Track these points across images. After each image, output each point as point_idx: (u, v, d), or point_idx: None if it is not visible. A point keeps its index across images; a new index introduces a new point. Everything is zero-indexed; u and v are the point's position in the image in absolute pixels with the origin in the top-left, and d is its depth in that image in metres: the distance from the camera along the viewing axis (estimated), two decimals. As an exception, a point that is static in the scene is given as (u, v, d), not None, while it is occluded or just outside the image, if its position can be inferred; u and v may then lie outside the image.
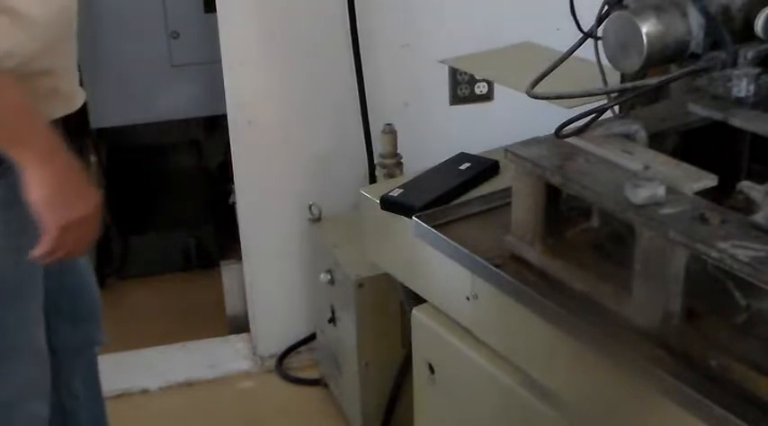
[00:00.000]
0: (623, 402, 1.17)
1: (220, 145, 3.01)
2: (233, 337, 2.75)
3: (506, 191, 1.41)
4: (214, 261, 2.99)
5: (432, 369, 1.57)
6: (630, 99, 1.34)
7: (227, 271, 2.80)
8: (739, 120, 1.29)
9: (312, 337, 2.56)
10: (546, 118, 1.37)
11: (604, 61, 1.35)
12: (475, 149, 1.74)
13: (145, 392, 2.49)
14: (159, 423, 2.39)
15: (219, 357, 2.66)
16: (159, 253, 3.15)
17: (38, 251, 1.43)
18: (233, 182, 2.55)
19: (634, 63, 1.26)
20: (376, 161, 2.27)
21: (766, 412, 1.00)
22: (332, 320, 2.23)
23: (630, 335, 1.14)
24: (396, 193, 1.60)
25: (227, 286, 2.81)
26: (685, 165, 1.22)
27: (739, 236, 1.04)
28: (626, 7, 1.30)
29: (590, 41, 1.38)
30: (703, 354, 1.08)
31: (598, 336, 1.17)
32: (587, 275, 1.23)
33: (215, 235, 3.14)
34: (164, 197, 3.24)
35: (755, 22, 1.25)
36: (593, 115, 1.30)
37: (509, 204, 1.36)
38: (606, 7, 1.34)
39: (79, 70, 1.61)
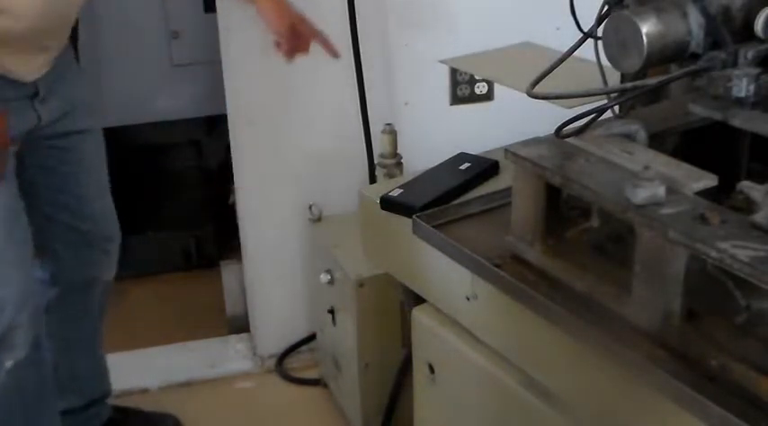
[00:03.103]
0: (623, 402, 1.17)
1: (220, 145, 3.00)
2: (233, 337, 2.75)
3: (506, 191, 1.42)
4: (214, 261, 2.99)
5: (432, 369, 1.57)
6: (630, 99, 1.34)
7: (227, 271, 2.80)
8: (739, 120, 1.29)
9: (312, 337, 2.56)
10: (546, 118, 1.37)
11: (604, 61, 1.35)
12: (475, 149, 1.74)
13: (145, 392, 2.49)
14: (159, 423, 2.39)
15: (219, 357, 2.66)
16: (159, 253, 3.14)
17: None
18: (233, 182, 2.55)
19: (634, 63, 1.27)
20: (376, 161, 2.27)
21: (766, 412, 1.00)
22: (332, 320, 2.23)
23: (630, 335, 1.14)
24: (396, 193, 1.60)
25: (227, 286, 2.80)
26: (685, 165, 1.22)
27: (739, 236, 1.04)
28: (626, 7, 1.30)
29: (590, 41, 1.38)
30: (703, 354, 1.08)
31: (598, 336, 1.17)
32: (587, 275, 1.23)
33: (215, 235, 3.13)
34: (164, 197, 3.24)
35: (755, 22, 1.25)
36: (593, 115, 1.30)
37: (509, 204, 1.36)
38: (606, 7, 1.35)
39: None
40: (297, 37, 1.92)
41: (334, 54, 1.98)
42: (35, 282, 1.87)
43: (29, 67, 1.75)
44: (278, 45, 1.94)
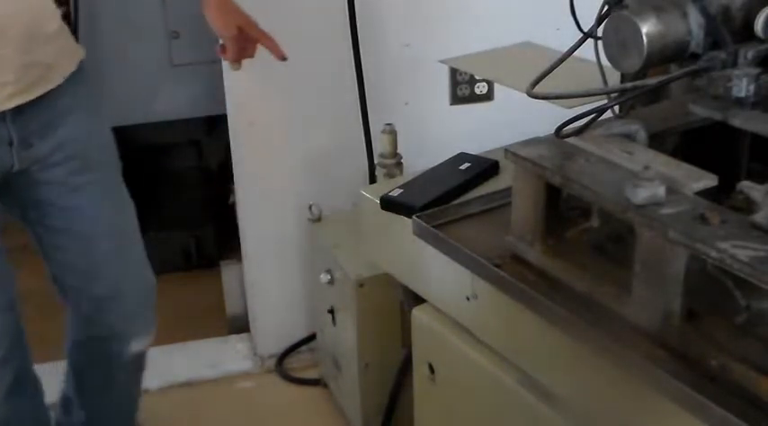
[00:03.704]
0: (623, 402, 1.17)
1: (220, 145, 3.01)
2: (233, 337, 2.75)
3: (506, 191, 1.41)
4: (214, 262, 2.99)
5: (432, 369, 1.57)
6: (630, 99, 1.34)
7: (227, 271, 2.80)
8: (739, 120, 1.29)
9: (312, 337, 2.56)
10: (546, 118, 1.37)
11: (604, 61, 1.35)
12: (475, 149, 1.74)
13: (145, 392, 2.48)
14: (159, 423, 2.39)
15: (219, 357, 2.66)
16: (159, 253, 3.13)
17: None
18: (233, 182, 2.55)
19: (634, 63, 1.26)
20: (376, 161, 2.27)
21: (766, 412, 1.00)
22: (332, 320, 2.23)
23: (630, 335, 1.14)
24: (396, 193, 1.60)
25: (227, 286, 2.80)
26: (685, 165, 1.22)
27: (739, 236, 1.04)
28: (626, 7, 1.30)
29: (590, 41, 1.38)
30: (703, 354, 1.08)
31: (598, 336, 1.17)
32: (587, 275, 1.23)
33: (215, 235, 3.13)
34: (164, 197, 3.24)
35: (755, 22, 1.25)
36: (593, 115, 1.30)
37: (509, 204, 1.36)
38: (606, 7, 1.34)
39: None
40: (244, 40, 1.86)
41: (282, 57, 1.89)
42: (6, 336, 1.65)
43: None
44: (223, 50, 1.89)
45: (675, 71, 1.29)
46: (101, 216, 1.76)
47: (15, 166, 1.62)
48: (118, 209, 1.81)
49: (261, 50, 2.33)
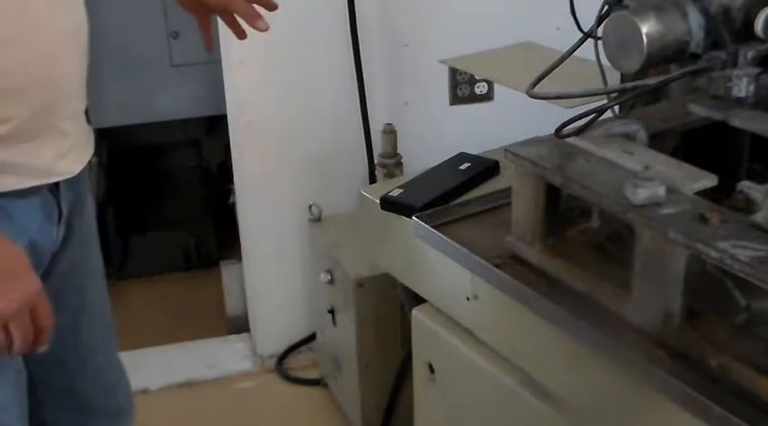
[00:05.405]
0: (623, 402, 1.17)
1: (220, 145, 3.01)
2: (233, 337, 2.75)
3: (506, 191, 1.41)
4: (214, 261, 2.99)
5: (432, 369, 1.57)
6: (630, 99, 1.34)
7: (227, 271, 2.80)
8: (739, 120, 1.29)
9: (312, 337, 2.56)
10: (546, 118, 1.37)
11: (604, 61, 1.35)
12: (475, 149, 1.74)
13: (145, 392, 2.49)
14: (159, 423, 2.39)
15: (219, 357, 2.66)
16: (159, 253, 3.15)
17: None
18: (233, 182, 2.56)
19: (634, 63, 1.26)
20: (376, 161, 2.28)
21: (766, 412, 1.00)
22: (332, 320, 2.23)
23: (630, 335, 1.14)
24: (396, 193, 1.60)
25: (227, 286, 2.81)
26: (685, 165, 1.22)
27: (739, 236, 1.04)
28: (626, 7, 1.30)
29: (590, 41, 1.38)
30: (703, 354, 1.08)
31: (598, 336, 1.17)
32: (587, 275, 1.23)
33: (215, 235, 3.14)
34: (164, 197, 3.25)
35: (755, 22, 1.25)
36: (594, 115, 1.30)
37: (509, 204, 1.36)
38: (606, 7, 1.34)
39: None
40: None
41: (274, 6, 1.55)
42: None
43: (43, 159, 1.26)
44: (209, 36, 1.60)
45: (675, 71, 1.29)
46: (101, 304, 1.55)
47: (55, 248, 1.35)
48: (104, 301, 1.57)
49: (263, 49, 2.33)
